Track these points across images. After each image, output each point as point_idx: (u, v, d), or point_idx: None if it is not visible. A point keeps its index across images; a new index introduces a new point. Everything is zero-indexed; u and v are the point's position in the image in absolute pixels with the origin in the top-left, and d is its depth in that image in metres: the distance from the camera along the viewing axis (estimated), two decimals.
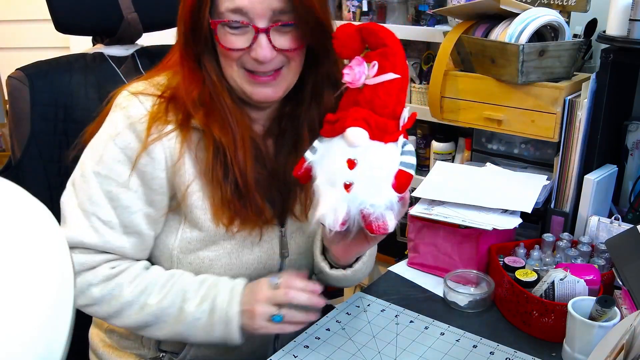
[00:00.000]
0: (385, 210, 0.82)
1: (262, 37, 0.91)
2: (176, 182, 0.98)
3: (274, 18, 0.91)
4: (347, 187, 0.81)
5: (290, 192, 1.03)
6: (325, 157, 0.84)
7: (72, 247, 0.96)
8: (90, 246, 0.97)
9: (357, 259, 1.04)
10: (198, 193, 0.98)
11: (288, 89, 0.99)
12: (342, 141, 0.82)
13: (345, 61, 0.92)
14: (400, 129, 0.84)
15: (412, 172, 0.84)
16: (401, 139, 0.85)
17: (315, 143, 0.86)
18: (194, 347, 1.05)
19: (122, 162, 0.96)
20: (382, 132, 0.81)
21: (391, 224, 0.83)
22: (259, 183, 0.99)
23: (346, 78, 0.84)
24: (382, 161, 0.82)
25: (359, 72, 0.83)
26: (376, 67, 0.83)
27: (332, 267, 1.04)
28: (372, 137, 0.81)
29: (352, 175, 0.80)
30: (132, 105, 0.97)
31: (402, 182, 0.82)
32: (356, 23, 0.89)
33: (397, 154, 0.83)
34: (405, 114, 0.85)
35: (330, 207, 0.82)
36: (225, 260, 1.02)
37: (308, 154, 0.86)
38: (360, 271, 1.05)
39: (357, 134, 0.80)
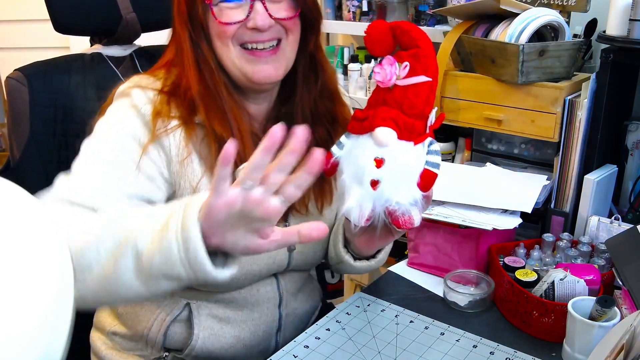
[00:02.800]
0: (411, 206, 0.85)
1: (258, 5, 0.93)
2: (183, 180, 0.98)
3: None
4: (374, 184, 0.83)
5: None
6: (353, 154, 0.85)
7: (58, 200, 0.88)
8: (75, 202, 0.88)
9: (379, 249, 1.06)
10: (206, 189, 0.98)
11: (287, 67, 1.00)
12: (370, 139, 0.83)
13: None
14: (428, 129, 0.86)
15: (437, 171, 0.85)
16: (428, 138, 0.87)
17: (342, 138, 0.88)
18: (199, 343, 1.05)
19: (130, 139, 0.94)
20: (409, 133, 0.83)
21: (417, 219, 0.85)
22: None
23: (377, 77, 0.85)
24: (409, 161, 0.83)
25: (390, 73, 0.84)
26: (408, 68, 0.83)
27: (355, 258, 1.06)
28: (400, 137, 0.82)
29: (379, 173, 0.82)
30: (135, 93, 0.97)
31: (427, 181, 0.85)
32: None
33: (424, 153, 0.85)
34: (432, 115, 0.86)
35: (356, 203, 0.84)
36: None
37: (335, 149, 0.87)
38: (382, 260, 1.09)
39: (385, 134, 0.81)
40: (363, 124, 0.84)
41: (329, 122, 1.07)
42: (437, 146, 0.87)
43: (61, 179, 0.93)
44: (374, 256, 1.07)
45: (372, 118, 0.83)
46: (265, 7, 0.94)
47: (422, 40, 0.84)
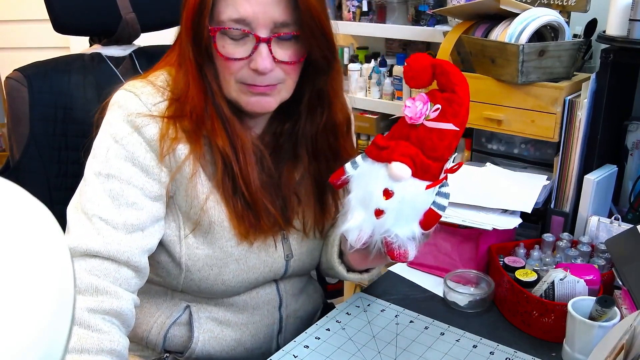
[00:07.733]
0: (408, 241, 0.85)
1: (263, 47, 0.90)
2: (189, 196, 0.97)
3: (275, 30, 0.91)
4: (378, 213, 0.83)
5: (288, 202, 1.04)
6: (365, 178, 0.85)
7: (79, 255, 0.89)
8: (94, 252, 0.89)
9: None
10: (215, 208, 0.98)
11: (282, 100, 0.98)
12: (384, 170, 0.83)
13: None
14: (443, 173, 0.85)
15: (442, 213, 0.85)
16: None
17: (358, 158, 0.87)
18: (199, 345, 1.05)
19: (123, 158, 0.93)
20: (424, 173, 0.83)
21: (411, 254, 0.86)
22: (266, 190, 1.00)
23: (406, 112, 0.84)
24: (417, 199, 0.83)
25: (420, 111, 0.83)
26: (439, 111, 0.82)
27: (348, 270, 1.07)
28: (414, 174, 0.82)
29: (386, 204, 0.82)
30: (130, 101, 0.94)
31: (429, 220, 0.85)
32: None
33: (433, 194, 0.85)
34: (451, 160, 0.86)
35: (357, 226, 0.85)
36: (234, 266, 1.01)
37: (348, 167, 0.87)
38: (374, 275, 1.11)
39: (400, 170, 0.81)
40: (381, 152, 0.84)
41: (331, 157, 1.06)
42: (448, 189, 0.86)
43: (79, 227, 0.91)
44: (367, 270, 1.08)
45: (391, 150, 0.83)
46: (270, 50, 0.90)
47: (460, 87, 0.83)
